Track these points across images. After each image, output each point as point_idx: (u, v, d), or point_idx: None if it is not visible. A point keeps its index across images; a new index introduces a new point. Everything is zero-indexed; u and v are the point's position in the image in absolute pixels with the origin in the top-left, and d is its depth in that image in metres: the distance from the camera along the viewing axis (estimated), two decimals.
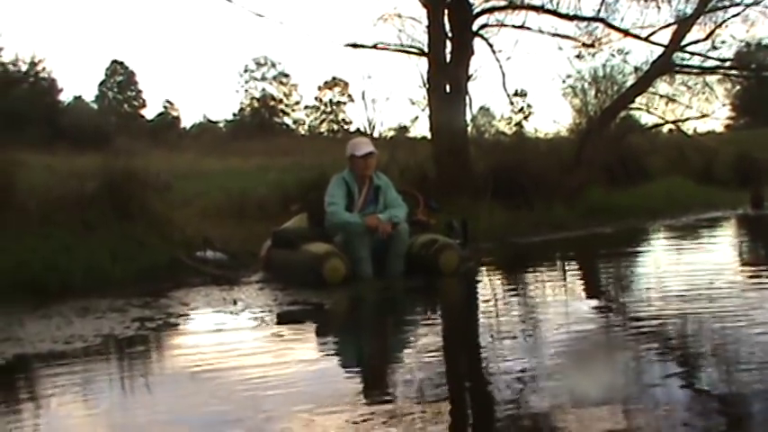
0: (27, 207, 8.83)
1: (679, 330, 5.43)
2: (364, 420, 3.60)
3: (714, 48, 15.30)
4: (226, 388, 4.30)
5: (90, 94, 58.19)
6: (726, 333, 5.16)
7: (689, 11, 14.62)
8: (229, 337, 5.78)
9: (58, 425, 3.88)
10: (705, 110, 17.19)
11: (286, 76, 62.34)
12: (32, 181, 9.56)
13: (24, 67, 41.72)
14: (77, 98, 48.44)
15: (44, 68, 42.27)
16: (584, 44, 15.31)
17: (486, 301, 7.16)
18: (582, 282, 8.33)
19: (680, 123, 18.03)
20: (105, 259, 8.06)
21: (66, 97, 44.48)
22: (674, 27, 14.72)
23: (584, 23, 14.73)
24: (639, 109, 17.19)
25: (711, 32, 14.94)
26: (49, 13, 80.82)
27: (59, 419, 3.96)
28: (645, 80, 15.29)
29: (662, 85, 16.39)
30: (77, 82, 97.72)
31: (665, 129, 19.73)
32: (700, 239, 11.94)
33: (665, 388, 3.90)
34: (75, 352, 5.29)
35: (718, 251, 10.14)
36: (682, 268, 8.63)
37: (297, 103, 62.91)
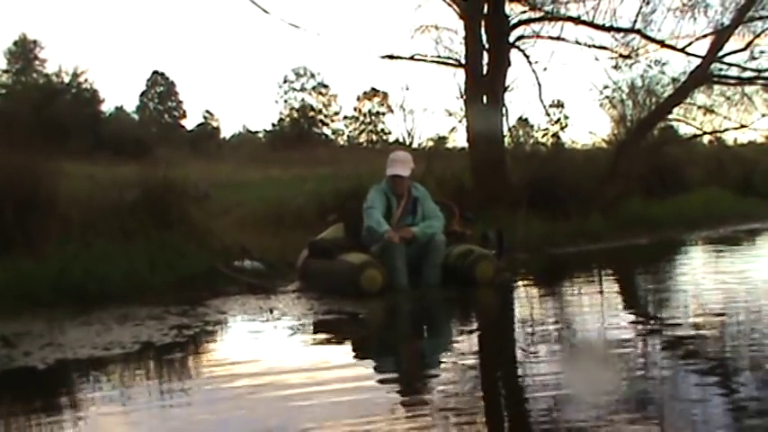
0: (69, 216, 8.94)
1: (715, 343, 5.43)
2: (400, 429, 3.65)
3: (753, 58, 15.07)
4: (261, 396, 4.35)
5: (131, 105, 58.70)
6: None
7: (726, 21, 14.51)
8: (265, 346, 5.87)
9: (94, 428, 3.96)
10: (744, 120, 16.94)
11: (325, 86, 62.37)
12: (74, 190, 9.67)
13: (67, 79, 42.21)
14: (119, 109, 48.75)
15: (86, 79, 42.72)
16: (620, 55, 15.20)
17: (522, 311, 7.17)
18: (618, 293, 8.30)
19: (718, 134, 17.87)
20: (144, 267, 8.14)
21: (107, 108, 44.82)
22: (712, 37, 14.61)
23: (621, 34, 14.66)
24: (677, 120, 17.02)
25: (750, 43, 14.74)
26: (91, 25, 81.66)
27: (96, 423, 4.05)
28: (682, 91, 15.15)
29: (700, 96, 16.22)
30: (119, 93, 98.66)
31: (705, 139, 19.53)
32: (737, 251, 11.83)
33: (702, 402, 3.92)
34: (114, 358, 5.39)
35: (756, 263, 10.06)
36: (718, 279, 8.56)
37: (336, 113, 62.85)
